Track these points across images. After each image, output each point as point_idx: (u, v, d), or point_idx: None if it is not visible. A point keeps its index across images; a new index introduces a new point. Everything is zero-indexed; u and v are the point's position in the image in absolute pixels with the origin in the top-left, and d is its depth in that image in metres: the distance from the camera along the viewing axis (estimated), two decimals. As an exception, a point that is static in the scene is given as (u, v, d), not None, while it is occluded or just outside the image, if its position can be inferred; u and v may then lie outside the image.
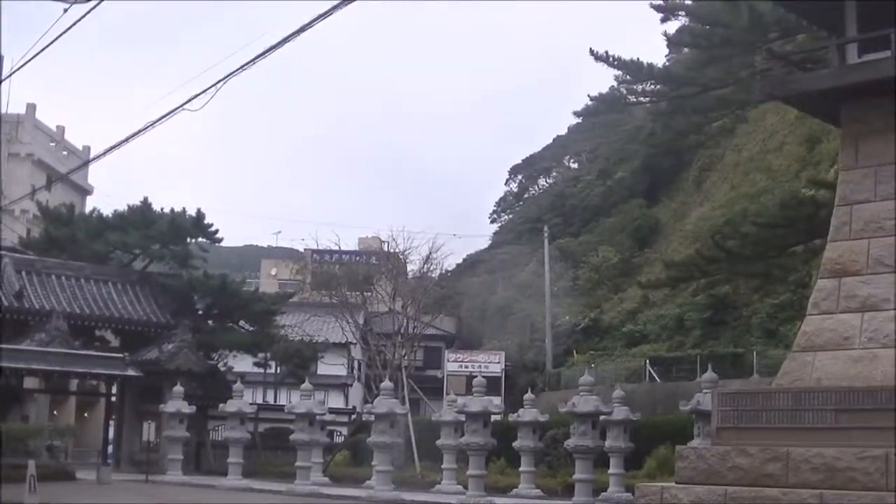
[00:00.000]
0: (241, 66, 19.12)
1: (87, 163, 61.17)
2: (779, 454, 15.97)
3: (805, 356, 17.53)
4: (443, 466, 36.34)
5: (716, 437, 17.48)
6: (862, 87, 17.55)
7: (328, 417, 43.45)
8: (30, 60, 25.69)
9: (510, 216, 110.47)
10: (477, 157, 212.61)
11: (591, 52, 27.93)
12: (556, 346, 69.70)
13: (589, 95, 29.81)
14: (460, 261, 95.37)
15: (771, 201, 42.04)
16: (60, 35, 22.06)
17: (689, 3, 29.08)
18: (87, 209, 63.90)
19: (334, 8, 16.36)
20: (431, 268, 59.96)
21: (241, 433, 40.92)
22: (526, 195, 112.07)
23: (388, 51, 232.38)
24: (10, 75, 30.50)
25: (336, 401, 63.01)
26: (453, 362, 71.10)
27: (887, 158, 17.54)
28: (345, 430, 55.02)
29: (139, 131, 23.09)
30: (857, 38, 17.78)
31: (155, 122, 22.47)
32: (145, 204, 51.46)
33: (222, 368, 51.40)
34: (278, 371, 58.66)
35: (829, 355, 17.22)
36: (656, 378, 53.16)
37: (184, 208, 50.99)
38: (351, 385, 68.72)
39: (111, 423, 48.43)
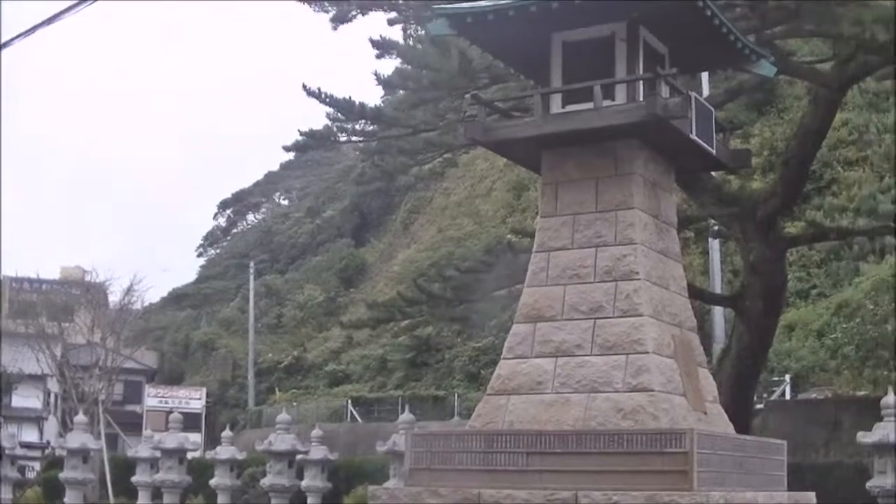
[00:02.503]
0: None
1: None
2: (470, 495, 16.06)
3: (499, 399, 17.73)
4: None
5: (409, 478, 17.47)
6: (562, 137, 17.98)
7: (19, 452, 41.57)
8: None
9: (217, 251, 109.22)
10: (188, 190, 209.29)
11: (304, 87, 27.78)
12: (259, 383, 69.31)
13: (300, 131, 29.78)
14: (165, 294, 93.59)
15: (476, 246, 42.82)
16: None
17: (403, 43, 29.31)
18: None
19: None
20: (133, 300, 58.51)
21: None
22: (234, 230, 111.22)
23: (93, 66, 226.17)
24: None
25: (30, 435, 60.71)
26: (153, 397, 69.61)
27: (585, 207, 18.00)
28: (38, 466, 52.88)
29: None
30: (559, 88, 18.20)
31: None
32: None
33: None
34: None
35: (522, 399, 17.45)
36: (358, 418, 53.35)
37: None
38: (46, 418, 66.28)
39: None
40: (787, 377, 36.66)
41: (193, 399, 69.01)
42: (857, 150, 43.91)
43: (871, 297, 35.04)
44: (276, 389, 67.38)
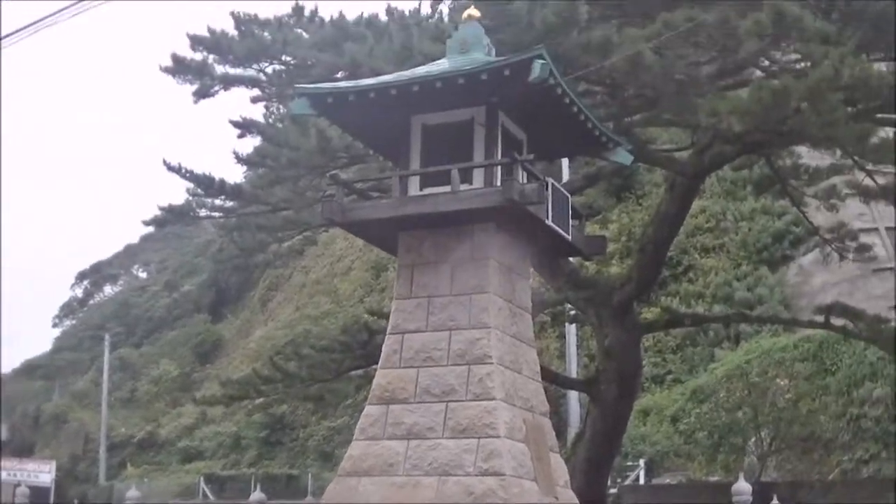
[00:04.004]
0: None
1: None
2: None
3: (350, 480, 17.52)
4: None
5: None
6: (419, 219, 17.99)
7: None
8: None
9: (73, 322, 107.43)
10: (45, 259, 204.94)
11: (165, 162, 27.44)
12: (112, 458, 68.00)
13: (159, 206, 29.49)
14: (17, 364, 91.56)
15: (333, 325, 42.54)
16: None
17: (263, 121, 29.21)
18: None
19: None
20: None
21: None
22: (91, 301, 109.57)
23: None
24: None
25: None
26: (1, 469, 67.50)
27: (440, 290, 17.99)
28: None
29: None
30: (417, 171, 18.23)
31: None
32: None
33: None
34: None
35: (373, 481, 17.27)
36: (210, 496, 52.46)
37: None
38: None
39: None
40: (642, 462, 36.90)
41: (42, 472, 67.06)
42: (714, 238, 44.71)
43: (725, 383, 35.56)
44: (128, 464, 66.25)
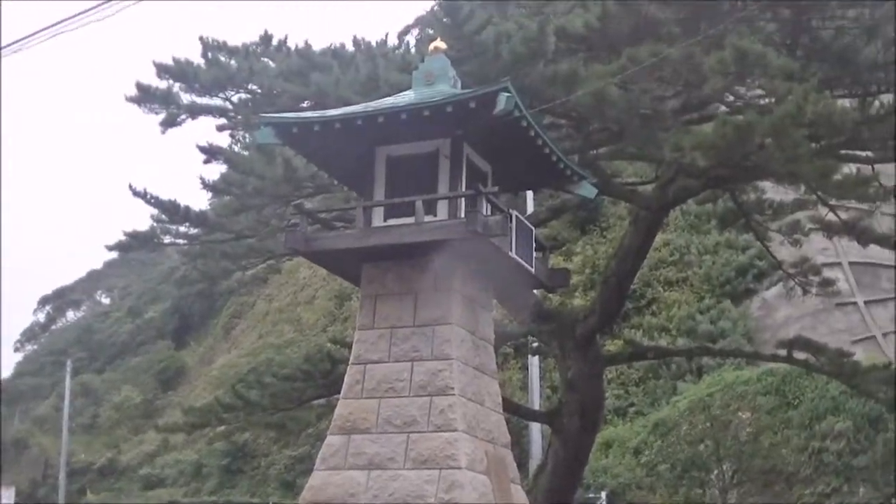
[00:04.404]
0: None
1: None
2: None
3: (311, 511, 17.49)
4: None
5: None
6: (382, 250, 18.03)
7: None
8: None
9: (35, 347, 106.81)
10: (9, 286, 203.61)
11: (130, 187, 27.33)
12: (72, 484, 67.54)
13: (124, 232, 29.40)
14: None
15: (296, 353, 42.38)
16: None
17: (229, 149, 29.15)
18: None
19: None
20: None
21: None
22: (54, 326, 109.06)
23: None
24: None
25: None
26: (-40, 496, 67.00)
27: (402, 321, 18.01)
28: None
29: None
30: (381, 202, 18.26)
31: None
32: None
33: None
34: None
35: (333, 511, 17.26)
36: (170, 524, 52.12)
37: None
38: None
39: None
40: (603, 494, 36.82)
41: (2, 498, 66.74)
42: (678, 271, 44.75)
43: (687, 416, 35.61)
44: (88, 491, 65.76)
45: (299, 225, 18.82)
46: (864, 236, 25.05)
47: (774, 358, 27.68)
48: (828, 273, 29.14)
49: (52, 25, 18.29)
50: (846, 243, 33.38)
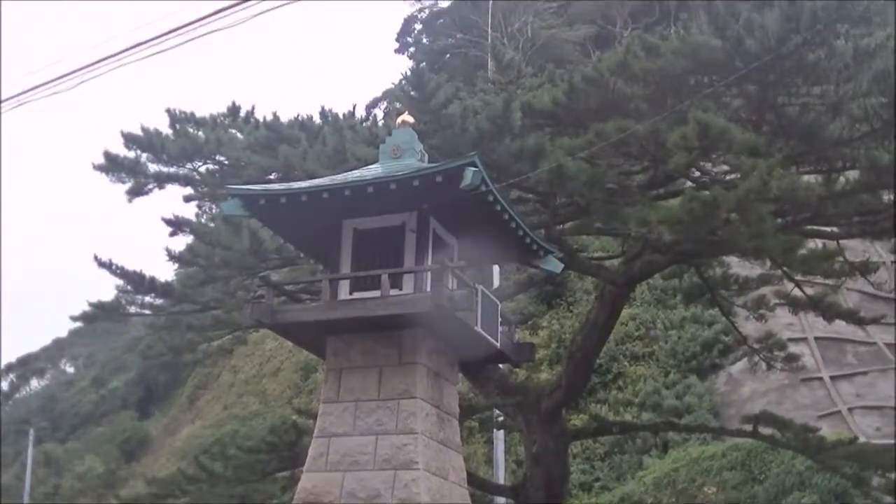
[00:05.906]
0: None
1: None
2: None
3: (272, 587, 17.32)
4: None
5: None
6: (348, 324, 17.99)
7: None
8: None
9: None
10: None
11: (96, 258, 27.23)
12: (25, 555, 66.62)
13: (89, 302, 29.31)
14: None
15: (261, 425, 42.08)
16: None
17: (196, 220, 29.13)
18: None
19: None
20: None
21: None
22: (17, 395, 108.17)
23: None
24: None
25: None
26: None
27: (367, 394, 17.93)
28: None
29: None
30: (347, 275, 18.25)
31: None
32: None
33: None
34: None
35: (296, 585, 17.08)
36: None
37: None
38: None
39: None
40: (569, 569, 36.65)
41: (-39, 571, 66.12)
42: (644, 346, 44.74)
43: (653, 491, 35.46)
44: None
45: (265, 297, 18.78)
46: (830, 311, 25.19)
47: (740, 433, 27.64)
48: (793, 348, 29.23)
49: (17, 95, 18.23)
50: (812, 318, 33.45)
